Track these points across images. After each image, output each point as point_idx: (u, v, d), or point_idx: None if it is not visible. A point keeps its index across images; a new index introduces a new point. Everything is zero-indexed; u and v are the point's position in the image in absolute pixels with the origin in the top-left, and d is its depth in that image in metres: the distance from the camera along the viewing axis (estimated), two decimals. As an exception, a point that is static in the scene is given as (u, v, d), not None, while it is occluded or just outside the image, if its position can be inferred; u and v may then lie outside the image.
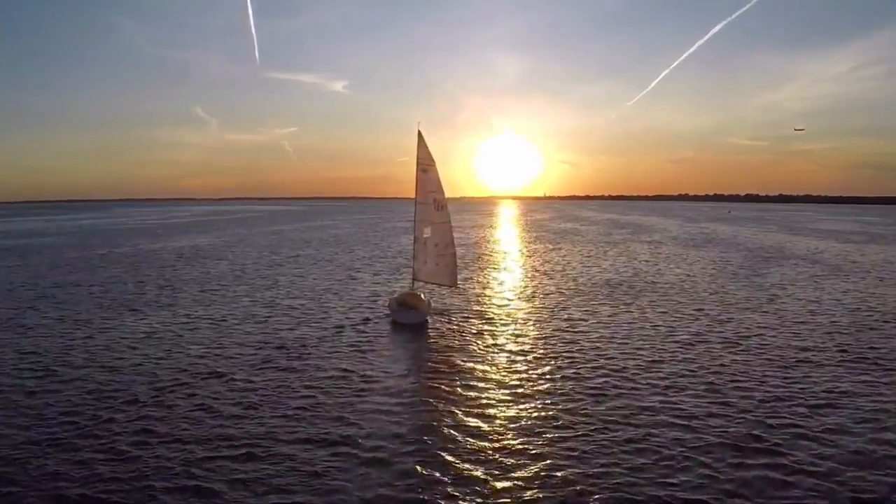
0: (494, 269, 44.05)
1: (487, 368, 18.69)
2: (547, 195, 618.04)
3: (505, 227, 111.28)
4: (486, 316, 26.70)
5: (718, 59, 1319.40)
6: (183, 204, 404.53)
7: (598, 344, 21.54)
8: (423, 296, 27.51)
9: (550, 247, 62.99)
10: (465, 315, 26.85)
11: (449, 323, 25.44)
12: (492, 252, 57.47)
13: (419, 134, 27.17)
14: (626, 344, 21.55)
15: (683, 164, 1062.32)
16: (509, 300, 30.73)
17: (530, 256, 52.96)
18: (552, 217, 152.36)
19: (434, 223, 27.58)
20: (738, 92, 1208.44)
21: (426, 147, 27.18)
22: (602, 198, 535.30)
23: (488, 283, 36.69)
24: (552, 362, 19.26)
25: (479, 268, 44.25)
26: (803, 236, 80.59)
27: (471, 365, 19.00)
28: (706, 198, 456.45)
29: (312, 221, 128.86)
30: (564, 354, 20.12)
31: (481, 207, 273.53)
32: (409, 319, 25.30)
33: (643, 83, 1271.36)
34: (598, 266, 44.99)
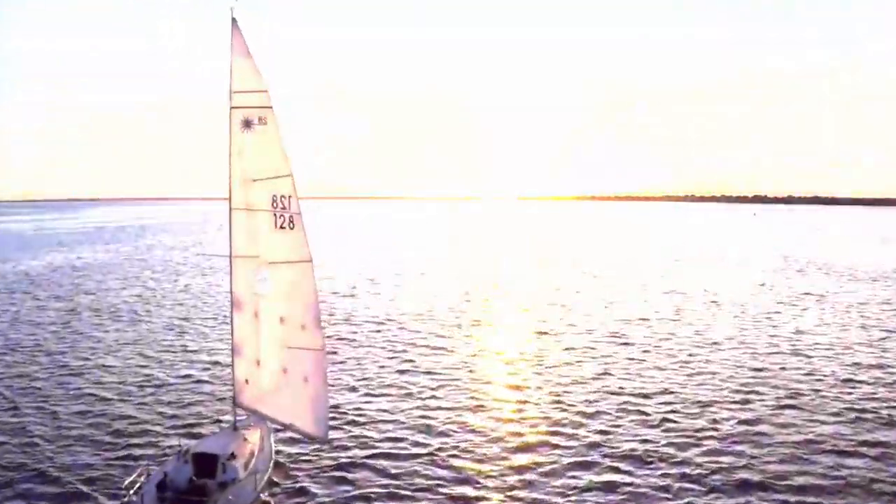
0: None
1: None
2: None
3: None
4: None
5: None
6: (181, 203, 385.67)
7: None
8: (243, 455, 10.32)
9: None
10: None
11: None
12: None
13: (233, 24, 10.17)
14: None
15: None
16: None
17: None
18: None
19: (275, 263, 10.49)
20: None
21: (251, 60, 10.16)
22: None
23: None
24: None
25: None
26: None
27: None
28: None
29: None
30: None
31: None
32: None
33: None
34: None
